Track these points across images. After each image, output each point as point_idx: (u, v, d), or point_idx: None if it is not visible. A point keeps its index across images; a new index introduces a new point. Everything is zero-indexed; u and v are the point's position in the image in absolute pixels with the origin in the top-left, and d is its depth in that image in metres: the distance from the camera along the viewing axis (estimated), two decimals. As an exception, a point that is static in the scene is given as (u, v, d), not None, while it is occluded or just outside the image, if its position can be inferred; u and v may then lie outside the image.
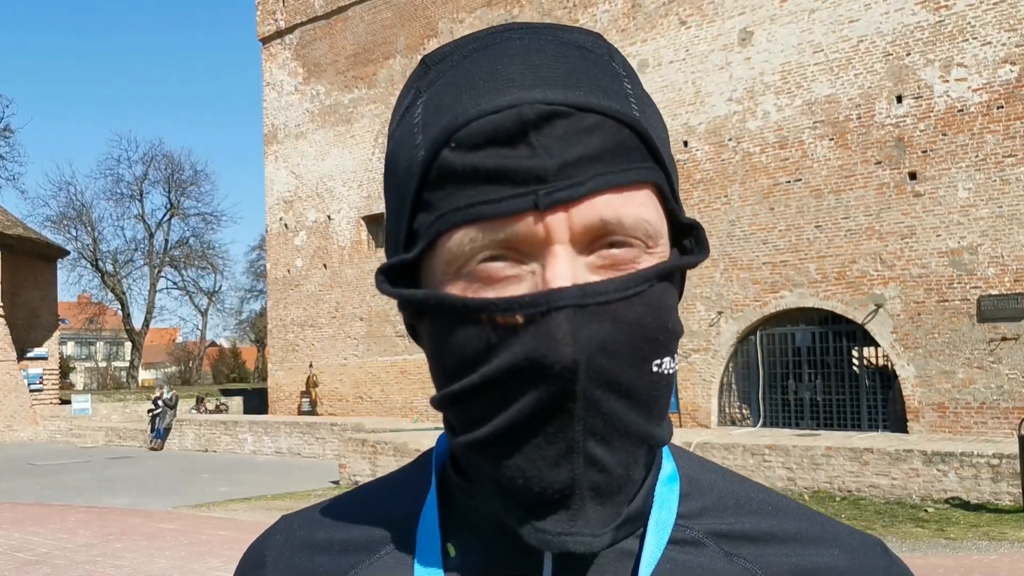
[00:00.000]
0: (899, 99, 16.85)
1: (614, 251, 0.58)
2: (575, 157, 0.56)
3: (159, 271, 52.04)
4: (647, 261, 0.59)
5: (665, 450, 0.69)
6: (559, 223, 0.56)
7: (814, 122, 17.86)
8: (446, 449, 0.70)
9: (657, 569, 0.63)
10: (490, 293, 0.57)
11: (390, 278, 0.63)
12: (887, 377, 17.61)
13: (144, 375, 60.55)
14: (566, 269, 0.56)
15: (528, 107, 0.56)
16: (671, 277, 0.61)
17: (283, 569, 0.71)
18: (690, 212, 14.81)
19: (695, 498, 0.68)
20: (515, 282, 0.57)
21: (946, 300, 16.24)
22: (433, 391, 0.62)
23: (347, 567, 0.68)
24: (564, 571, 0.62)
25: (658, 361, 0.59)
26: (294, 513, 0.77)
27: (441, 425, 0.67)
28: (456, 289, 0.59)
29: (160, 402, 25.63)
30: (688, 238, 0.64)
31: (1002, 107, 15.74)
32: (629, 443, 0.58)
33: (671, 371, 0.60)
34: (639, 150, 0.59)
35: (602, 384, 0.56)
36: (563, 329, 0.55)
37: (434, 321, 0.60)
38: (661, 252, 0.60)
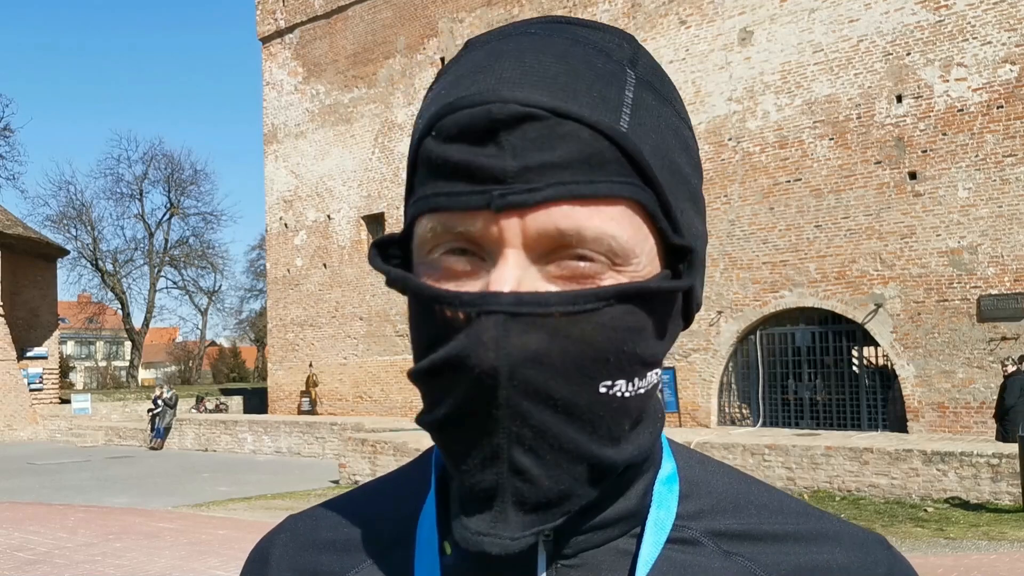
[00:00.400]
0: (899, 99, 16.85)
1: (576, 264, 0.57)
2: (538, 162, 0.55)
3: (159, 270, 52.05)
4: (612, 279, 0.57)
5: (666, 449, 0.69)
6: (512, 227, 0.55)
7: (814, 122, 17.87)
8: None
9: (654, 568, 0.63)
10: (450, 284, 0.58)
11: (385, 253, 0.64)
12: (887, 377, 17.62)
13: (144, 374, 60.56)
14: (510, 274, 0.56)
15: (499, 106, 0.55)
16: (640, 298, 0.58)
17: (286, 568, 0.72)
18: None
19: (694, 499, 0.67)
20: (472, 278, 0.57)
21: (946, 300, 16.24)
22: None
23: (348, 566, 0.69)
24: (558, 569, 0.63)
25: (608, 383, 0.57)
26: (299, 513, 0.77)
27: None
28: (424, 276, 0.60)
29: (160, 401, 25.63)
30: (683, 262, 0.61)
31: (1002, 107, 15.74)
32: (565, 459, 0.56)
33: (628, 394, 0.58)
34: (618, 163, 0.56)
35: (530, 395, 0.55)
36: (489, 334, 0.54)
37: (408, 300, 0.61)
38: (633, 271, 0.58)
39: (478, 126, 0.55)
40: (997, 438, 13.65)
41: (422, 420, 0.60)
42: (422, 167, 0.59)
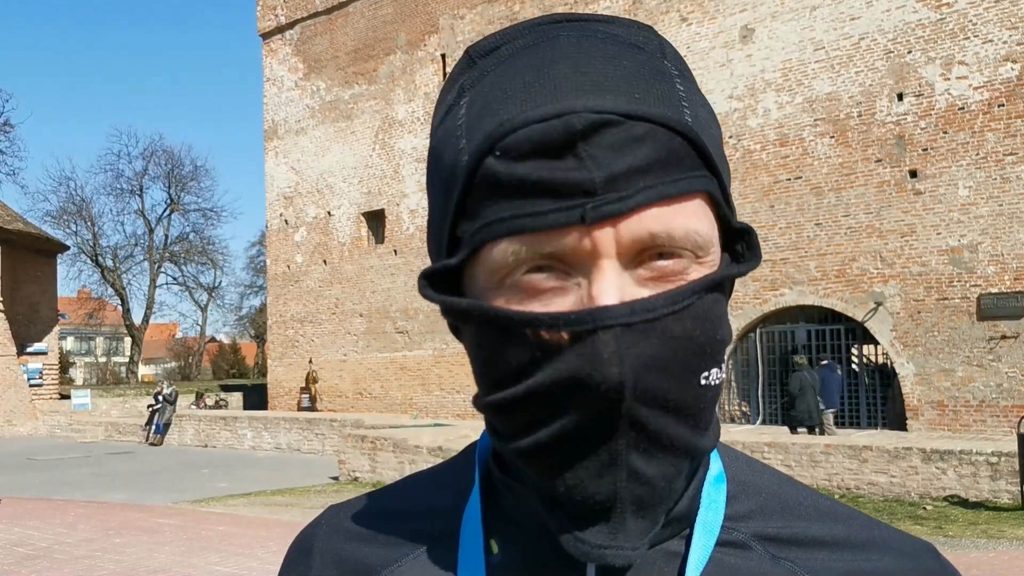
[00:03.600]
0: (900, 97, 16.84)
1: (663, 263, 0.56)
2: (624, 169, 0.54)
3: (159, 267, 52.06)
4: (696, 272, 0.57)
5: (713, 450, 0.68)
6: (606, 238, 0.54)
7: (815, 120, 17.86)
8: (489, 446, 0.70)
9: (704, 571, 0.62)
10: (535, 305, 0.56)
11: (433, 282, 0.61)
12: (886, 375, 17.63)
13: (144, 370, 60.55)
14: (613, 285, 0.55)
15: (576, 116, 0.54)
16: (721, 287, 0.59)
17: (330, 558, 0.72)
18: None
19: (742, 500, 0.67)
20: (560, 294, 0.56)
21: (946, 298, 16.24)
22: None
23: (392, 559, 0.69)
24: (609, 571, 0.61)
25: (706, 373, 0.57)
26: (341, 504, 0.77)
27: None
28: (499, 299, 0.57)
29: (160, 398, 25.64)
30: (740, 242, 0.62)
31: (1003, 105, 15.73)
32: (674, 456, 0.57)
33: (718, 381, 0.58)
34: (691, 158, 0.56)
35: (648, 402, 0.55)
36: (610, 348, 0.53)
37: (478, 330, 0.59)
38: (711, 261, 0.58)
39: (555, 140, 0.54)
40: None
41: (513, 447, 0.59)
42: (483, 190, 0.56)
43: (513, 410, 0.57)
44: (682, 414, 0.56)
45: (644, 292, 0.56)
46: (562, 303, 0.56)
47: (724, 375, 0.60)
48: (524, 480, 0.62)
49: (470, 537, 0.66)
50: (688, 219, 0.56)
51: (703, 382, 0.57)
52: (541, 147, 0.54)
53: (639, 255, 0.56)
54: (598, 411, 0.54)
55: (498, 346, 0.57)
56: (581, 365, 0.54)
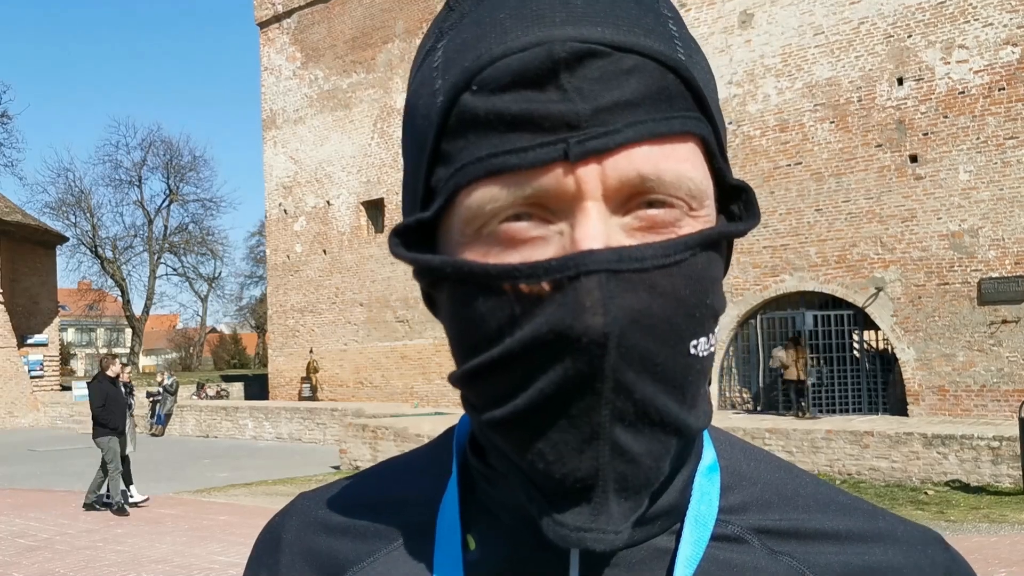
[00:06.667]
0: (900, 81, 16.78)
1: (653, 211, 0.51)
2: (611, 102, 0.49)
3: (159, 257, 52.03)
4: (690, 225, 0.52)
5: (706, 437, 0.63)
6: (591, 176, 0.50)
7: (815, 105, 17.80)
8: (467, 432, 0.65)
9: (698, 568, 0.58)
10: (514, 257, 0.51)
11: (405, 240, 0.56)
12: (887, 360, 17.62)
13: (144, 361, 60.64)
14: (598, 229, 0.50)
15: (559, 44, 0.49)
16: (716, 246, 0.54)
17: (299, 551, 0.68)
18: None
19: (737, 491, 0.62)
20: (541, 244, 0.51)
21: (947, 283, 16.22)
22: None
23: (365, 554, 0.65)
24: (592, 569, 0.57)
25: (695, 342, 0.52)
26: (311, 492, 0.72)
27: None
28: (476, 253, 0.52)
29: (161, 388, 25.68)
30: (736, 202, 0.57)
31: (1003, 89, 15.67)
32: (661, 432, 0.52)
33: (706, 353, 0.53)
34: (684, 97, 0.52)
35: (634, 363, 0.49)
36: (593, 296, 0.48)
37: (452, 290, 0.54)
38: (706, 216, 0.54)
39: (536, 70, 0.49)
40: None
41: (488, 418, 0.53)
42: (460, 129, 0.52)
43: (490, 376, 0.52)
44: (669, 384, 0.51)
45: (632, 242, 0.51)
46: (543, 253, 0.51)
47: (714, 348, 0.54)
48: (503, 468, 0.57)
49: (447, 532, 0.62)
50: (680, 163, 0.51)
51: (692, 351, 0.52)
52: (521, 78, 0.50)
53: (627, 201, 0.51)
54: (579, 370, 0.49)
55: (474, 306, 0.52)
56: (562, 316, 0.49)
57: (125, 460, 12.06)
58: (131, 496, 12.15)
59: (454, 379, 0.56)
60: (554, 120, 0.49)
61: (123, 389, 12.31)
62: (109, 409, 11.56)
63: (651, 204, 0.52)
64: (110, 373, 11.75)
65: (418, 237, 0.56)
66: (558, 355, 0.49)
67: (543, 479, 0.52)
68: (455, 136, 0.52)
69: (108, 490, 11.78)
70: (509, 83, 0.50)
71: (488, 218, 0.52)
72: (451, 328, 0.56)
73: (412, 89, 0.58)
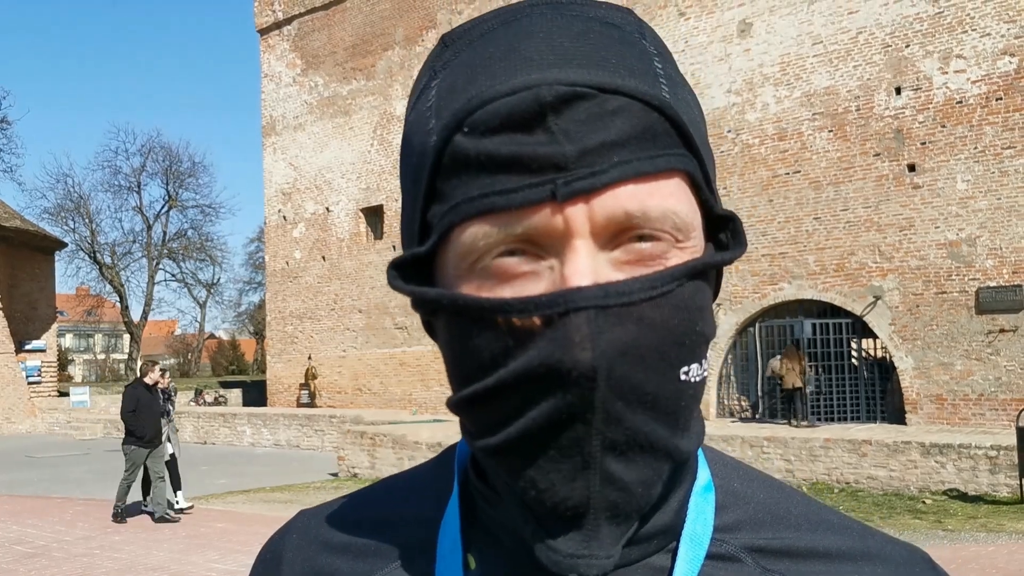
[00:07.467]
0: (898, 91, 16.83)
1: (641, 245, 0.53)
2: (597, 143, 0.51)
3: (157, 263, 51.94)
4: (677, 257, 0.54)
5: (701, 456, 0.65)
6: (579, 215, 0.51)
7: (813, 114, 17.85)
8: (469, 452, 0.66)
9: None
10: (506, 291, 0.53)
11: (404, 273, 0.58)
12: (885, 369, 17.63)
13: (143, 367, 60.42)
14: (586, 266, 0.52)
15: (546, 88, 0.51)
16: (704, 275, 0.56)
17: (300, 569, 0.69)
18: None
19: (731, 510, 0.64)
20: (532, 279, 0.53)
21: (944, 292, 16.24)
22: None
23: (365, 572, 0.66)
24: None
25: (686, 368, 0.54)
26: (312, 509, 0.74)
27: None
28: (470, 286, 0.54)
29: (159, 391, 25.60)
30: (724, 231, 0.59)
31: (1001, 99, 15.72)
32: (652, 458, 0.54)
33: (698, 379, 0.55)
34: (669, 135, 0.54)
35: (624, 394, 0.51)
36: (582, 332, 0.50)
37: (448, 321, 0.56)
38: (693, 247, 0.55)
39: (524, 113, 0.51)
40: None
41: (483, 445, 0.55)
42: (453, 169, 0.54)
43: (484, 404, 0.54)
44: (660, 411, 0.53)
45: (620, 276, 0.53)
46: (535, 288, 0.53)
47: (706, 373, 0.56)
48: (502, 489, 0.59)
49: (448, 551, 0.63)
50: (666, 199, 0.53)
51: (682, 377, 0.54)
52: (510, 121, 0.52)
53: (615, 237, 0.53)
54: (569, 403, 0.51)
55: (469, 337, 0.54)
56: (552, 351, 0.51)
57: (172, 464, 11.84)
58: (177, 502, 11.93)
59: (451, 405, 0.58)
60: (542, 162, 0.51)
61: (161, 396, 12.04)
62: (139, 416, 11.18)
63: (640, 238, 0.53)
64: (148, 380, 11.46)
65: (415, 269, 0.58)
66: (549, 388, 0.51)
67: (536, 505, 0.54)
68: (449, 175, 0.54)
69: (151, 498, 11.48)
70: (499, 126, 0.52)
71: (481, 253, 0.53)
72: (448, 356, 0.57)
73: (408, 124, 0.60)
